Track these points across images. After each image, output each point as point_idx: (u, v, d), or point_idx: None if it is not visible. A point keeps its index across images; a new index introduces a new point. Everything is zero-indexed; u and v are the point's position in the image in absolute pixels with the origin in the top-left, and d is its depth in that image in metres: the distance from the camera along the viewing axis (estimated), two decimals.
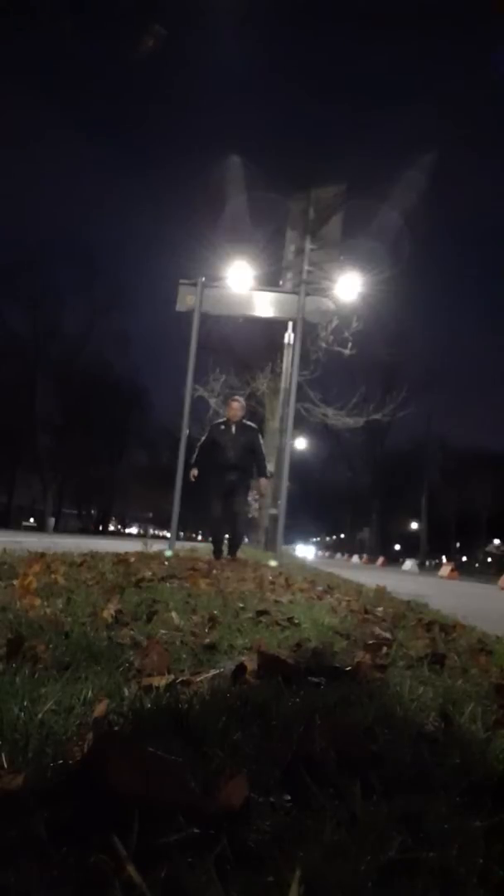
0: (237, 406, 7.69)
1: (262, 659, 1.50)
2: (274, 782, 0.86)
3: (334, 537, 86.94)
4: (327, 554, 64.29)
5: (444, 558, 50.04)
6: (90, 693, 1.18)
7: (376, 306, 17.34)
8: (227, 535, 7.86)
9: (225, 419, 7.68)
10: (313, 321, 9.77)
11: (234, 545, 7.84)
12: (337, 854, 0.67)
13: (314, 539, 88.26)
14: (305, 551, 48.80)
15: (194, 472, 7.60)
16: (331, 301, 9.59)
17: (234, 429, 7.55)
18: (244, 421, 7.72)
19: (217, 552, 7.74)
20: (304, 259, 12.19)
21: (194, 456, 7.73)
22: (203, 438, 7.77)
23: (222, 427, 7.60)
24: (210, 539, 8.15)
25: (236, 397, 8.13)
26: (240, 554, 8.20)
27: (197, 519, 50.54)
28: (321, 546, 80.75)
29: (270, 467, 16.63)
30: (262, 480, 7.81)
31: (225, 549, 7.85)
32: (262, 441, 7.82)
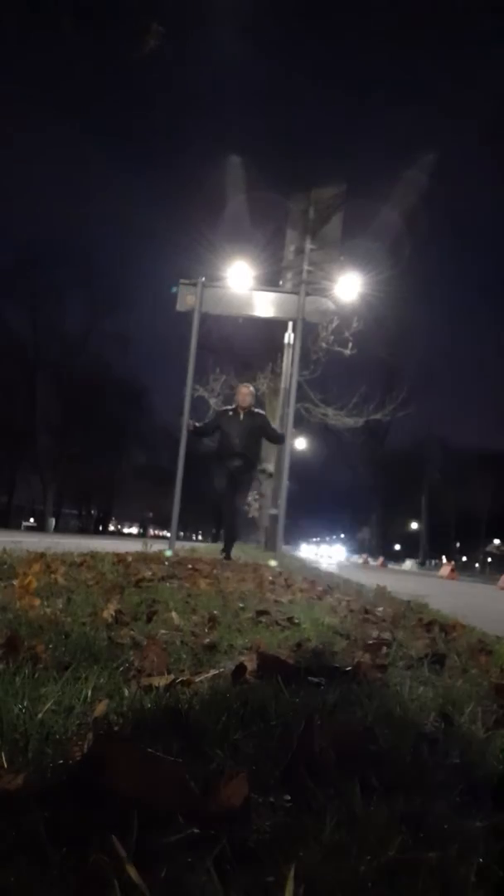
0: (247, 392, 7.53)
1: (262, 659, 1.50)
2: (274, 782, 0.86)
3: (334, 537, 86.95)
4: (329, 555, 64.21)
5: (444, 558, 50.04)
6: (90, 693, 1.18)
7: (376, 306, 17.33)
8: (222, 530, 7.74)
9: (234, 406, 7.53)
10: (313, 321, 9.76)
11: (229, 543, 7.53)
12: (337, 854, 0.67)
13: (314, 539, 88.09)
14: (335, 552, 47.85)
15: (194, 423, 7.57)
16: (331, 301, 9.58)
17: (242, 415, 7.38)
18: (253, 408, 7.55)
19: (218, 527, 7.63)
20: (304, 259, 12.20)
21: (199, 424, 7.70)
22: (207, 420, 7.74)
23: (230, 413, 7.44)
24: (213, 533, 8.17)
25: (246, 384, 8.05)
26: (241, 555, 8.15)
27: (197, 519, 50.53)
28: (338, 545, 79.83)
29: (270, 467, 16.65)
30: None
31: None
32: (270, 422, 7.71)
